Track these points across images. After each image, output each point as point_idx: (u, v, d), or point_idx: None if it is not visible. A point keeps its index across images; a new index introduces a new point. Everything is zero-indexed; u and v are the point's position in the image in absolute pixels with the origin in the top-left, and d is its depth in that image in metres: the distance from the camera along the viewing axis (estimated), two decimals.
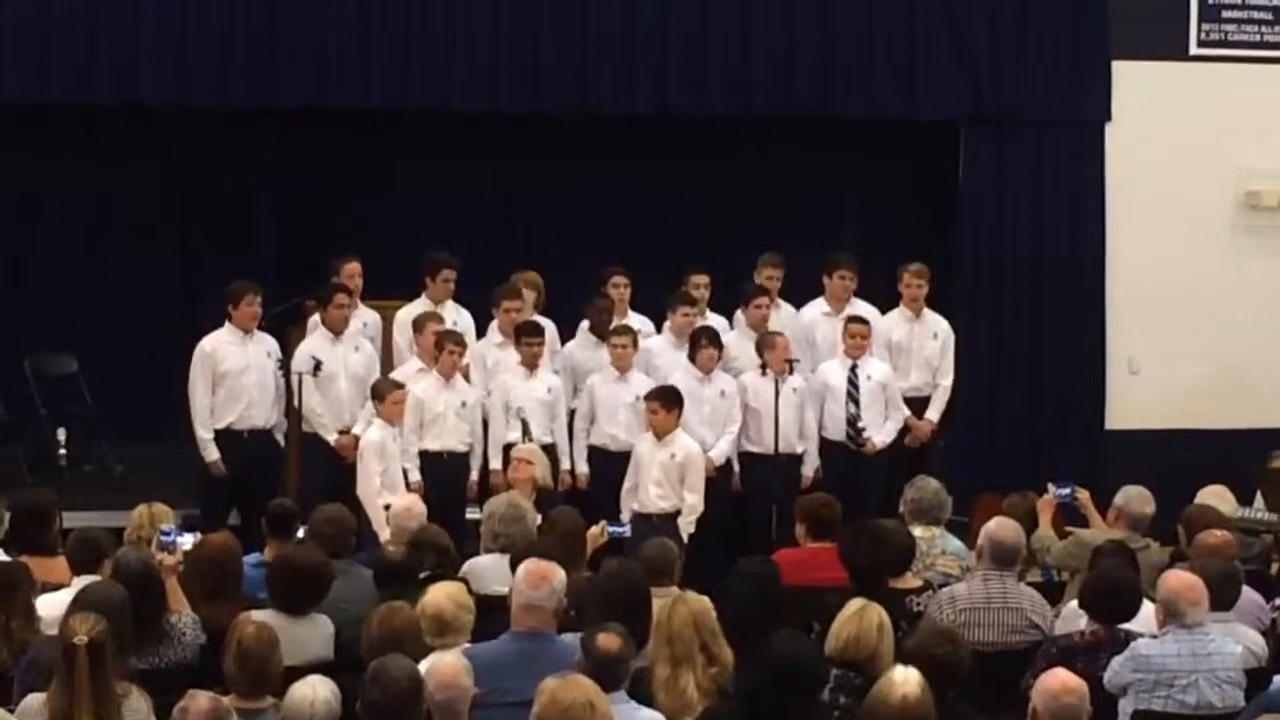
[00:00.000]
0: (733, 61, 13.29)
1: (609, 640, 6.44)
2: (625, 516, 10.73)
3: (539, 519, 9.26)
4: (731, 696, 6.71)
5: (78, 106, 12.97)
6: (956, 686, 6.60)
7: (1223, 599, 7.75)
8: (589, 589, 7.62)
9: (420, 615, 7.13)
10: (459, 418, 11.33)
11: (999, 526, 8.19)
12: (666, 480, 11.04)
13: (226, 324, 11.50)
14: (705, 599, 7.15)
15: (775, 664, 6.41)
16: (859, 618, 7.06)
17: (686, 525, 10.99)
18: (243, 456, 11.40)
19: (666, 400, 11.06)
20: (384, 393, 10.92)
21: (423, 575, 8.10)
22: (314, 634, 7.54)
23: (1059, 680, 6.25)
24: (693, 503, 11.06)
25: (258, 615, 7.48)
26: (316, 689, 6.18)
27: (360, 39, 12.84)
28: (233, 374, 11.40)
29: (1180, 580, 7.45)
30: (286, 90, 12.84)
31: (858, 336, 11.87)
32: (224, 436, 11.39)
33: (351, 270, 12.02)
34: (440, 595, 7.20)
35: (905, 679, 6.07)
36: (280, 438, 11.63)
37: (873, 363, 11.99)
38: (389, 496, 10.46)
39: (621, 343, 11.56)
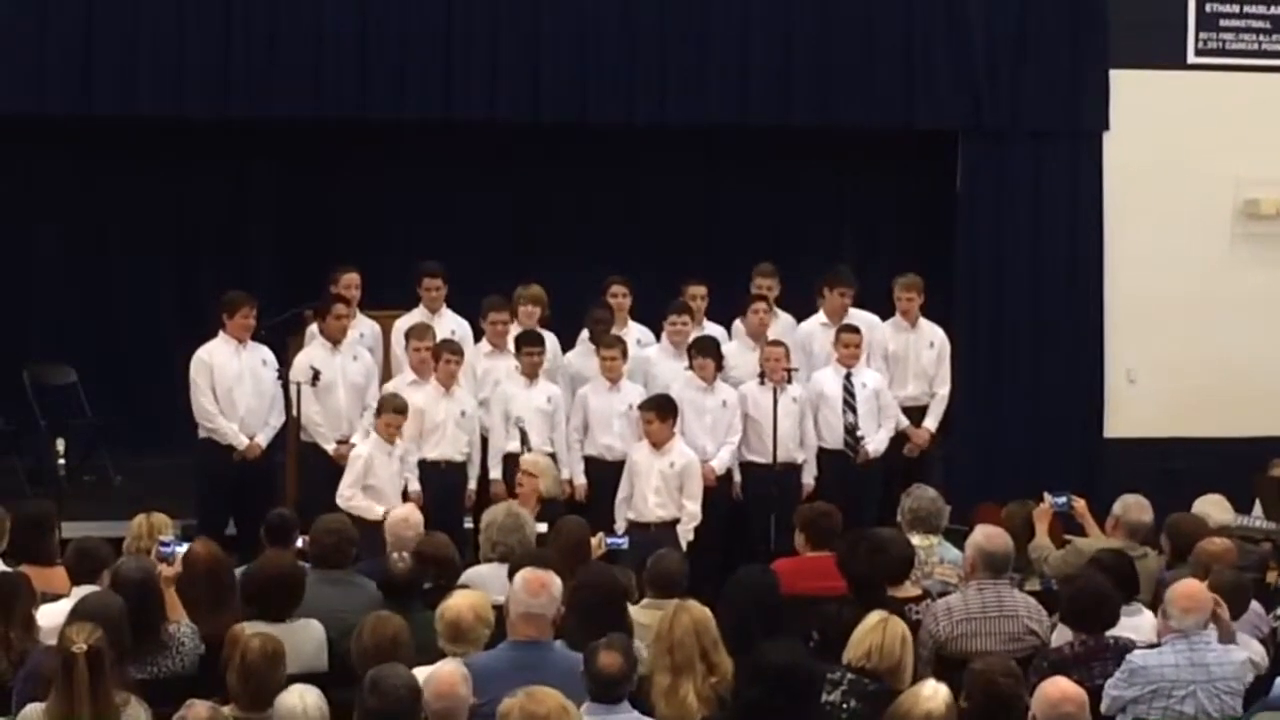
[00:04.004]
0: (731, 72, 13.31)
1: (610, 659, 6.44)
2: (620, 526, 10.73)
3: (540, 528, 9.28)
4: (730, 706, 6.72)
5: (76, 118, 12.98)
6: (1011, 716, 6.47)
7: (1231, 609, 7.75)
8: (567, 603, 7.64)
9: (438, 619, 7.18)
10: (458, 427, 11.34)
11: (986, 538, 8.18)
12: (666, 489, 11.03)
13: (220, 334, 11.50)
14: (706, 608, 7.15)
15: (772, 672, 6.41)
16: (882, 629, 7.02)
17: (685, 533, 10.97)
18: (238, 466, 11.39)
19: (661, 410, 11.05)
20: (382, 409, 10.92)
21: (426, 586, 8.12)
22: (304, 642, 7.53)
23: (1059, 689, 6.23)
24: (692, 511, 11.05)
25: (251, 626, 7.52)
26: (305, 697, 6.18)
27: (358, 50, 12.87)
28: (228, 383, 11.40)
29: (1179, 587, 7.44)
30: (284, 101, 12.86)
31: (850, 345, 11.88)
32: (218, 445, 11.38)
33: (350, 281, 12.04)
34: (463, 603, 7.23)
35: (934, 694, 6.06)
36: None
37: (866, 371, 12.00)
38: (378, 508, 10.49)
39: (611, 354, 11.54)
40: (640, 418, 11.16)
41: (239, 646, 6.71)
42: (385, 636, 7.00)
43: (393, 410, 10.89)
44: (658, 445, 11.04)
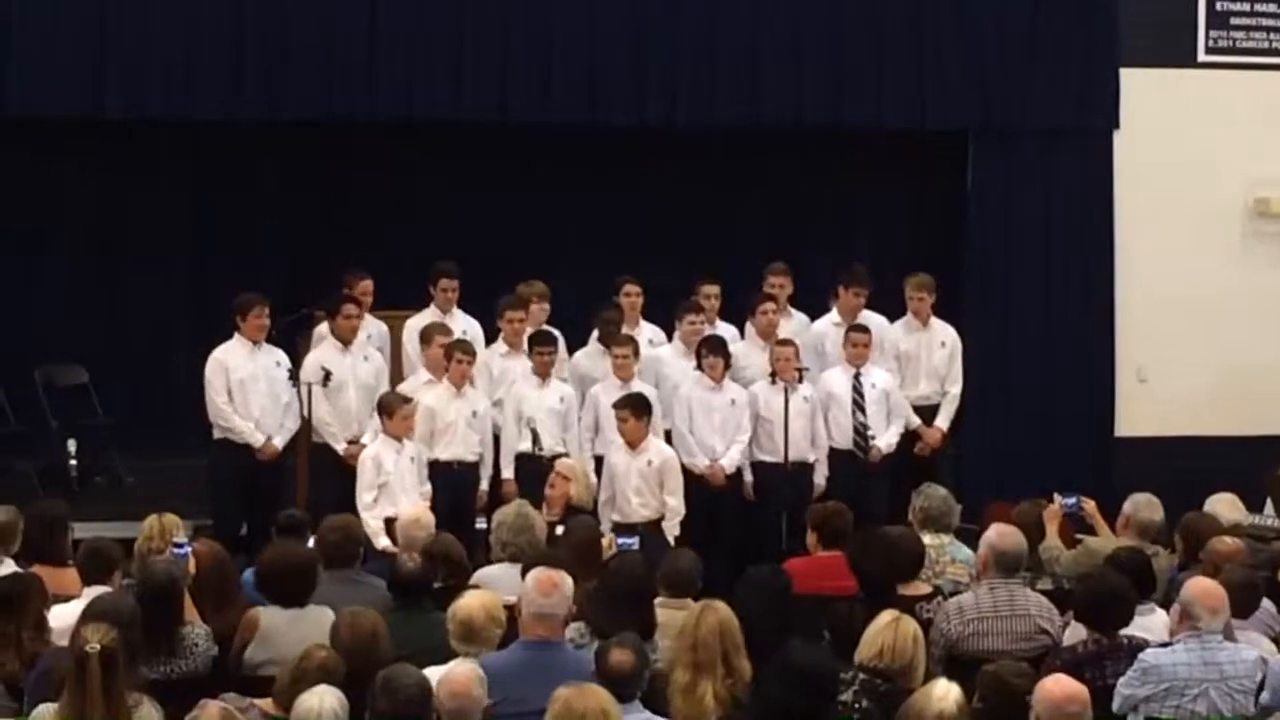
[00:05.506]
0: (742, 73, 13.31)
1: (621, 656, 6.46)
2: (604, 527, 10.68)
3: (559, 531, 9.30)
4: (749, 706, 6.71)
5: (87, 119, 12.99)
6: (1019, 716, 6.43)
7: (1242, 607, 7.75)
8: (596, 589, 7.66)
9: (450, 619, 7.18)
10: (470, 427, 11.34)
11: (1000, 536, 8.18)
12: (646, 488, 10.99)
13: (235, 335, 11.53)
14: (731, 611, 7.13)
15: (796, 672, 6.41)
16: (894, 628, 7.01)
17: (671, 529, 10.96)
18: (253, 466, 11.40)
19: (635, 408, 11.01)
20: (393, 408, 10.89)
21: (437, 586, 8.13)
22: (316, 629, 7.53)
23: (1061, 689, 6.19)
24: (674, 505, 11.02)
25: (266, 611, 7.63)
26: (324, 699, 6.19)
27: (368, 51, 12.89)
28: (243, 384, 11.42)
29: (1203, 587, 7.43)
30: (295, 102, 12.89)
31: (858, 345, 11.89)
32: (233, 446, 11.40)
33: (365, 288, 12.07)
34: (474, 603, 7.23)
35: (945, 694, 6.04)
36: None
37: (876, 371, 12.00)
38: (389, 509, 10.50)
39: (623, 354, 11.54)
40: (615, 415, 11.12)
41: (303, 655, 6.72)
42: (363, 632, 6.99)
43: (399, 406, 10.86)
44: (633, 444, 11.00)
